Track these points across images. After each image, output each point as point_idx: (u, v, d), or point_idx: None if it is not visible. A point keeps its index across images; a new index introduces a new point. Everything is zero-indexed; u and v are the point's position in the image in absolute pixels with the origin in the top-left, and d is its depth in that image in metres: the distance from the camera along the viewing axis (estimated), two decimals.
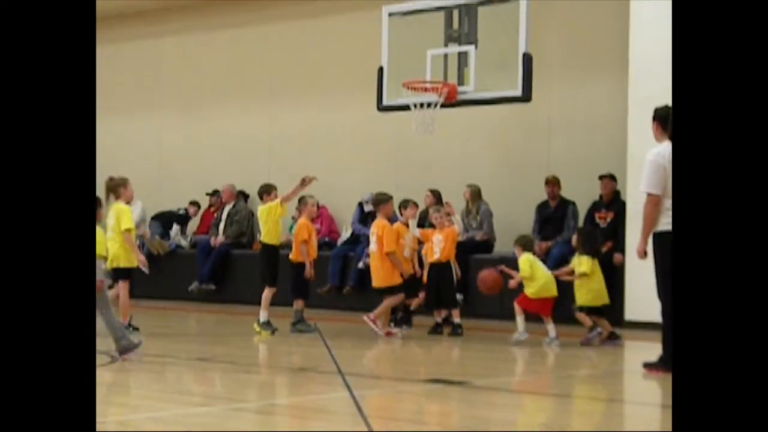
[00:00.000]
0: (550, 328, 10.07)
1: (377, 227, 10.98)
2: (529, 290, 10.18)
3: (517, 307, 10.14)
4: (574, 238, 10.56)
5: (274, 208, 11.02)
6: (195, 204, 16.90)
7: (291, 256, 11.14)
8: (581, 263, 10.18)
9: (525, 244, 10.55)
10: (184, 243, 16.45)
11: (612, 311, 12.09)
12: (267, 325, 10.86)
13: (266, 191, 11.31)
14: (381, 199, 11.22)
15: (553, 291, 10.22)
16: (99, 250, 8.49)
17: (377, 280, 10.96)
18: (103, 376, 7.33)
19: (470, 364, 9.21)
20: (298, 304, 11.02)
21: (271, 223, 11.11)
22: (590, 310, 10.15)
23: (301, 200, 11.35)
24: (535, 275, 10.18)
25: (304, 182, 10.81)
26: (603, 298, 10.27)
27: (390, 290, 10.84)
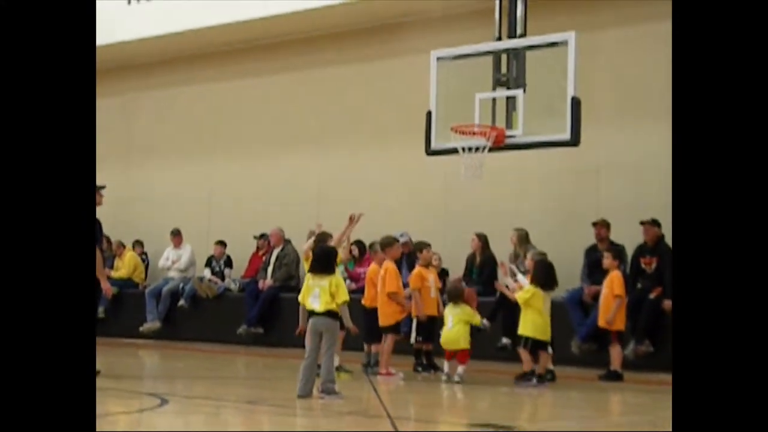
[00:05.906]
0: (460, 369, 10.40)
1: (383, 269, 11.17)
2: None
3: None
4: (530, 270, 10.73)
5: None
6: (221, 243, 16.97)
7: (364, 301, 11.29)
8: (524, 292, 10.40)
9: (449, 293, 10.92)
10: (233, 286, 16.53)
11: (663, 357, 11.97)
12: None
13: (323, 239, 10.84)
14: (387, 243, 11.40)
15: (458, 345, 10.49)
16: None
17: (380, 319, 11.14)
18: (152, 418, 7.37)
19: (520, 409, 9.13)
20: (375, 348, 11.21)
21: None
22: (534, 344, 10.34)
23: (371, 247, 11.66)
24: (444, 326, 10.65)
25: (352, 220, 10.78)
26: (545, 333, 10.41)
27: (391, 329, 11.02)
